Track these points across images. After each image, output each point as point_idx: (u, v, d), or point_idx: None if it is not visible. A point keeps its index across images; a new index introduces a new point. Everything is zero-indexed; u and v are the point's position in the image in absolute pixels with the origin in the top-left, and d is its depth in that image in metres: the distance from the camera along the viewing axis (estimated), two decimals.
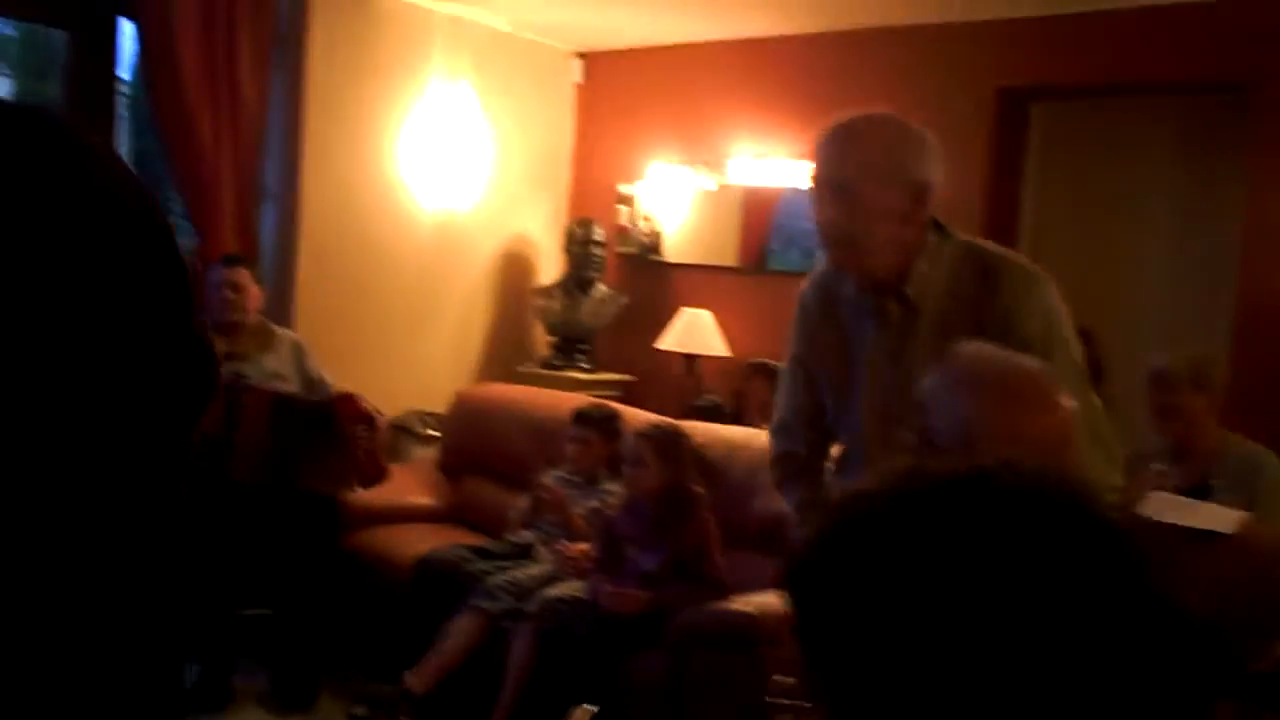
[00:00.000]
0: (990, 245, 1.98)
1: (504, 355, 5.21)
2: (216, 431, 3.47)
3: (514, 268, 5.27)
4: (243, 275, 3.84)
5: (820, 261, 2.10)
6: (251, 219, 4.43)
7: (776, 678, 1.60)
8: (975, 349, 1.56)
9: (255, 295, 3.88)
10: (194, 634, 3.57)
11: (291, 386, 3.78)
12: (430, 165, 4.87)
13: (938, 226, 1.94)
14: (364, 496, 3.86)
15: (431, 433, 4.72)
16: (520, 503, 3.81)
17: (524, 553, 3.64)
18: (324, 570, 3.69)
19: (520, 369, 5.12)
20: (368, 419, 3.67)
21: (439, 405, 4.75)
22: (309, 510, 3.64)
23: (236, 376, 3.60)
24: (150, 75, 4.09)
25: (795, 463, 2.12)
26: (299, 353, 3.92)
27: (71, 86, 4.19)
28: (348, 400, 3.69)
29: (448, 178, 4.93)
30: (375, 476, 3.73)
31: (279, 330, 3.98)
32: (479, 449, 4.39)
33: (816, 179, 1.91)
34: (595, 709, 1.71)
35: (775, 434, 2.16)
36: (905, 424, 1.96)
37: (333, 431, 3.63)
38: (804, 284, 2.10)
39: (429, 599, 3.51)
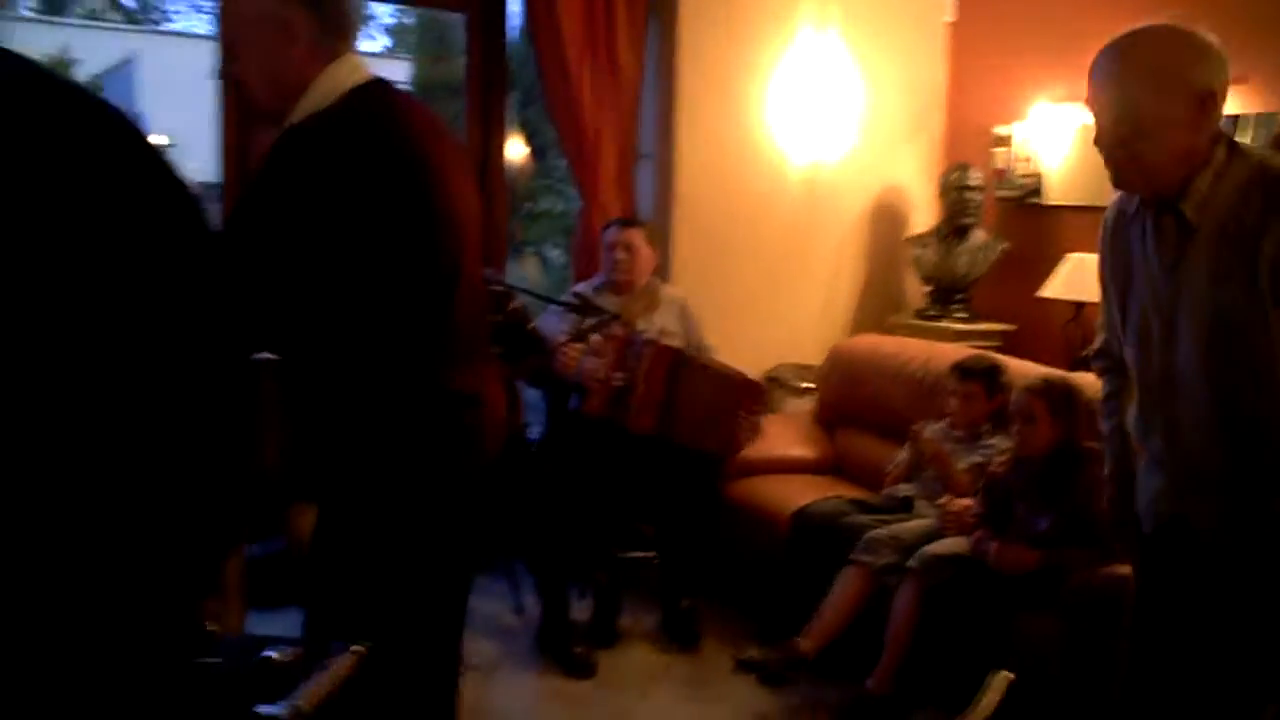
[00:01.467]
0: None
1: (877, 307, 5.15)
2: (617, 383, 3.65)
3: (885, 217, 5.18)
4: (636, 236, 3.99)
5: None
6: (630, 180, 4.61)
7: None
8: None
9: (647, 256, 4.02)
10: (583, 572, 3.82)
11: (680, 344, 3.92)
12: (799, 118, 4.86)
13: (1230, 144, 1.83)
14: (749, 452, 3.92)
15: (807, 385, 4.74)
16: (899, 455, 3.76)
17: (904, 506, 3.60)
18: (705, 518, 3.81)
19: (893, 320, 5.04)
20: (759, 410, 3.78)
21: (812, 358, 4.77)
22: (693, 461, 3.76)
23: (636, 331, 3.76)
24: (537, 47, 4.34)
25: (1111, 358, 2.20)
26: (685, 313, 4.05)
27: (471, 65, 4.52)
28: (754, 392, 3.78)
29: (817, 129, 4.90)
30: (736, 450, 3.83)
31: (667, 289, 4.12)
32: (855, 401, 4.37)
33: (1093, 95, 1.86)
34: (1013, 676, 1.66)
35: (1098, 332, 2.25)
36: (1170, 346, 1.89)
37: (720, 407, 3.71)
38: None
39: (807, 551, 3.54)
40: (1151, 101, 1.81)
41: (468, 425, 2.01)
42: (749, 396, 3.76)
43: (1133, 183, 1.90)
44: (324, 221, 1.79)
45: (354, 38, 1.97)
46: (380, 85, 1.94)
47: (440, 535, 2.01)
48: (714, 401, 3.71)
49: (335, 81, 1.89)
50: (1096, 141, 1.89)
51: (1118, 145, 1.86)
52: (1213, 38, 1.85)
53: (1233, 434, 1.87)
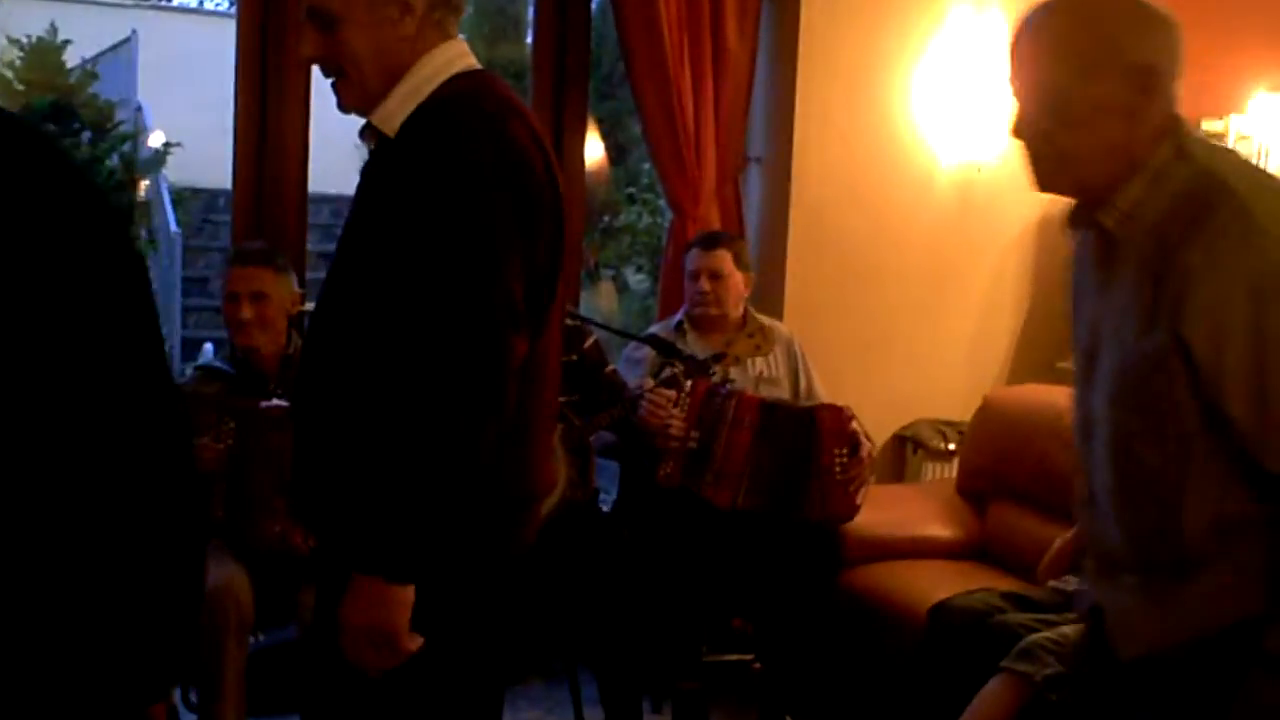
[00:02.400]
0: (1242, 170, 1.78)
1: (1042, 348, 5.09)
2: (694, 445, 3.69)
3: (1056, 232, 5.09)
4: (724, 260, 4.03)
5: None
6: (735, 190, 4.67)
7: None
8: None
9: (739, 282, 4.07)
10: (662, 679, 3.84)
11: (783, 394, 3.94)
12: (950, 111, 4.89)
13: (1180, 142, 1.80)
14: (865, 525, 3.93)
15: (950, 447, 4.73)
16: (1063, 535, 3.72)
17: (1071, 603, 3.55)
18: (818, 612, 3.81)
19: (1064, 365, 4.90)
20: (852, 440, 3.74)
21: (959, 413, 4.75)
22: (803, 540, 3.78)
23: (720, 382, 3.80)
24: (623, 25, 4.42)
25: None
26: (793, 355, 4.07)
27: (541, 45, 4.63)
28: (833, 414, 3.77)
29: (971, 125, 4.92)
30: (843, 514, 3.80)
31: (770, 324, 4.14)
32: (1011, 468, 4.32)
33: (1011, 76, 1.86)
34: None
35: None
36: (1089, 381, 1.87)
37: (804, 448, 3.74)
38: None
39: (948, 656, 3.49)
40: (1077, 83, 1.80)
41: (516, 526, 2.10)
42: (827, 429, 3.73)
43: (1057, 182, 1.88)
44: (419, 248, 1.87)
45: (462, 14, 2.07)
46: (486, 79, 2.02)
47: (465, 634, 2.06)
48: (791, 449, 3.73)
49: (434, 68, 1.99)
50: (1015, 132, 1.88)
51: (1039, 137, 1.85)
52: (1158, 3, 1.84)
53: (1132, 510, 1.85)
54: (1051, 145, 1.85)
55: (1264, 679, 1.70)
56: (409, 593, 1.87)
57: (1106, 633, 1.94)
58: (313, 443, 2.07)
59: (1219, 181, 1.75)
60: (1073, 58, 1.81)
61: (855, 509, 3.81)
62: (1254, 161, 4.76)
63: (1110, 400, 1.84)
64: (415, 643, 1.90)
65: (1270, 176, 1.79)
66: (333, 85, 2.04)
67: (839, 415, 3.77)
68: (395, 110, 1.99)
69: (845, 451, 3.74)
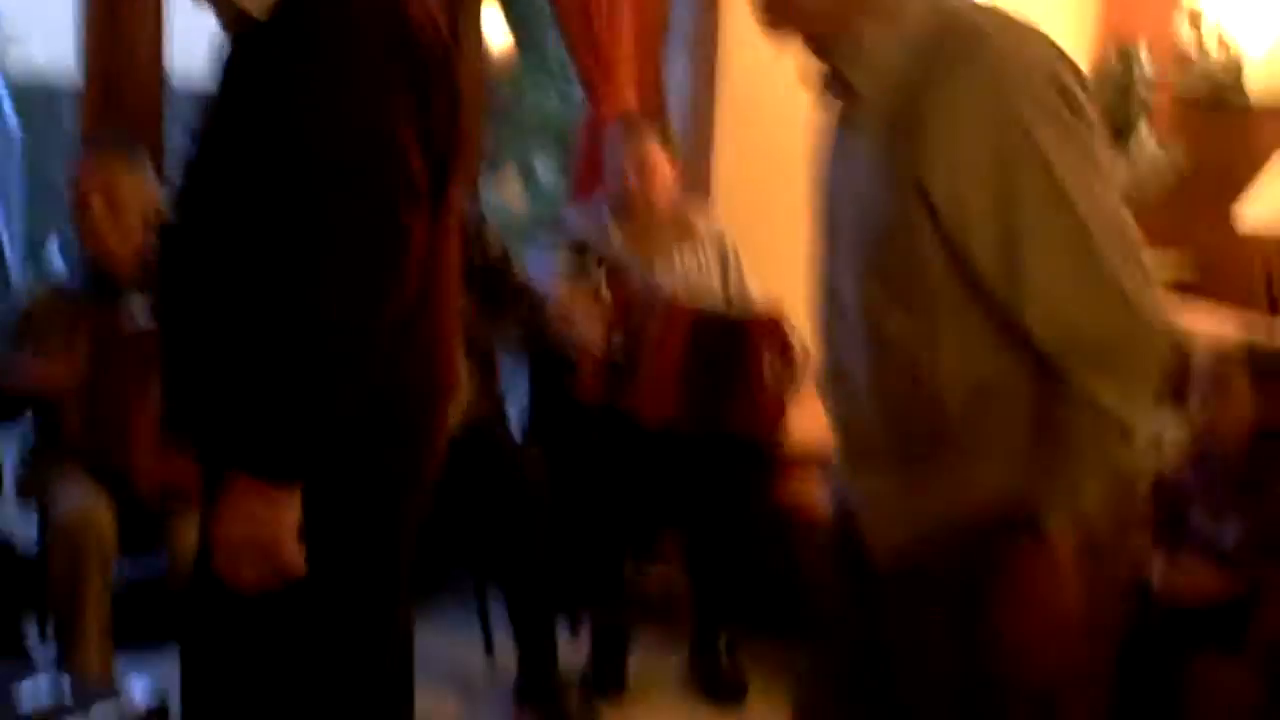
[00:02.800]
0: (990, 13, 1.79)
1: None
2: (616, 357, 3.68)
3: None
4: (647, 145, 3.99)
5: None
6: (655, 66, 4.62)
7: None
8: None
9: (666, 171, 4.03)
10: (577, 599, 3.85)
11: (714, 294, 3.91)
12: None
13: None
14: (801, 432, 3.93)
15: None
16: None
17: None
18: (751, 523, 3.84)
19: None
20: (785, 348, 3.76)
21: None
22: (734, 449, 3.79)
23: (646, 283, 3.76)
24: None
25: None
26: (724, 251, 4.04)
27: None
28: (767, 324, 3.78)
29: None
30: (775, 424, 3.82)
31: (698, 219, 4.13)
32: None
33: None
34: None
35: None
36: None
37: (736, 358, 3.75)
38: None
39: None
40: None
41: (421, 428, 2.08)
42: (761, 338, 3.74)
43: (781, 20, 1.88)
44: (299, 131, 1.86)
45: None
46: None
47: (365, 556, 2.04)
48: (723, 360, 3.74)
49: None
50: None
51: None
52: None
53: (887, 385, 1.85)
54: None
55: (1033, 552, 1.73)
56: (293, 498, 1.84)
57: (861, 530, 1.93)
58: (185, 342, 2.03)
59: (966, 23, 1.76)
60: None
61: (782, 417, 3.85)
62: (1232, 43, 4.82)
63: (857, 272, 1.85)
64: (300, 558, 1.86)
65: (1015, 20, 1.78)
66: None
67: (774, 325, 3.79)
68: None
69: (778, 361, 3.76)
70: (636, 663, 3.86)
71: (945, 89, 1.70)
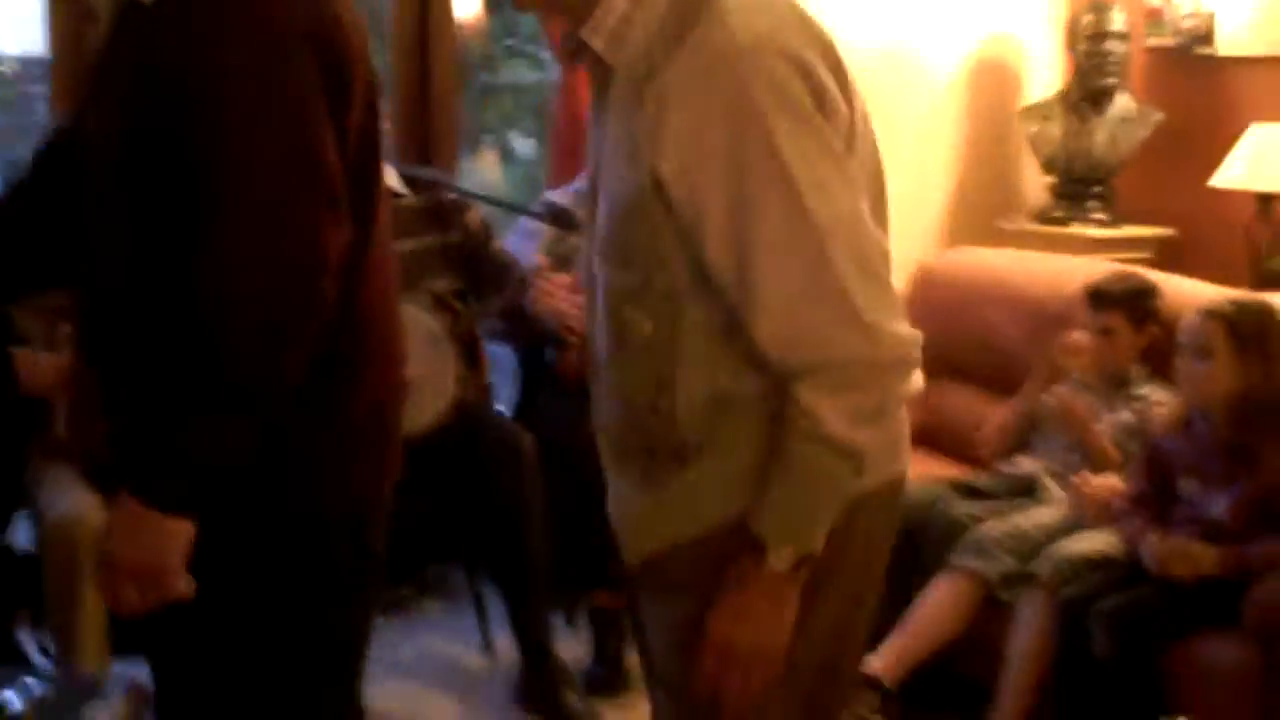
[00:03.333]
0: None
1: (980, 208, 5.11)
2: None
3: (989, 82, 5.11)
4: None
5: None
6: None
7: None
8: None
9: None
10: (576, 593, 3.80)
11: None
12: None
13: None
14: None
15: None
16: (1004, 411, 3.75)
17: (1024, 489, 3.59)
18: None
19: (1004, 225, 5.02)
20: None
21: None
22: None
23: None
24: None
25: None
26: None
27: None
28: None
29: None
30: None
31: None
32: (951, 341, 4.28)
33: None
34: None
35: None
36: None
37: None
38: None
39: (893, 551, 3.52)
40: None
41: (357, 457, 1.99)
42: None
43: (529, 2, 1.84)
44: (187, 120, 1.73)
45: None
46: None
47: (315, 559, 1.97)
48: None
49: None
50: None
51: None
52: None
53: (628, 382, 1.77)
54: None
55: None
56: (181, 526, 1.76)
57: (613, 527, 1.88)
58: (96, 355, 1.96)
59: None
60: None
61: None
62: None
63: (602, 254, 1.75)
64: (188, 587, 1.79)
65: None
66: None
67: None
68: None
69: None
70: (636, 661, 3.84)
71: (677, 65, 1.60)
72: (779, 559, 1.64)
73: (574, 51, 1.74)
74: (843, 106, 1.65)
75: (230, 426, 1.73)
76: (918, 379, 1.89)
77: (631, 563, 1.84)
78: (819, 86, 1.61)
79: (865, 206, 1.65)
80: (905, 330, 1.65)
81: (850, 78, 1.71)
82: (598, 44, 1.68)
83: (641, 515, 1.81)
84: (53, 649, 3.21)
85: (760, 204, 1.57)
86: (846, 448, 1.63)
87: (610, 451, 1.86)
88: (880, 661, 3.31)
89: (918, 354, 1.69)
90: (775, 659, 1.69)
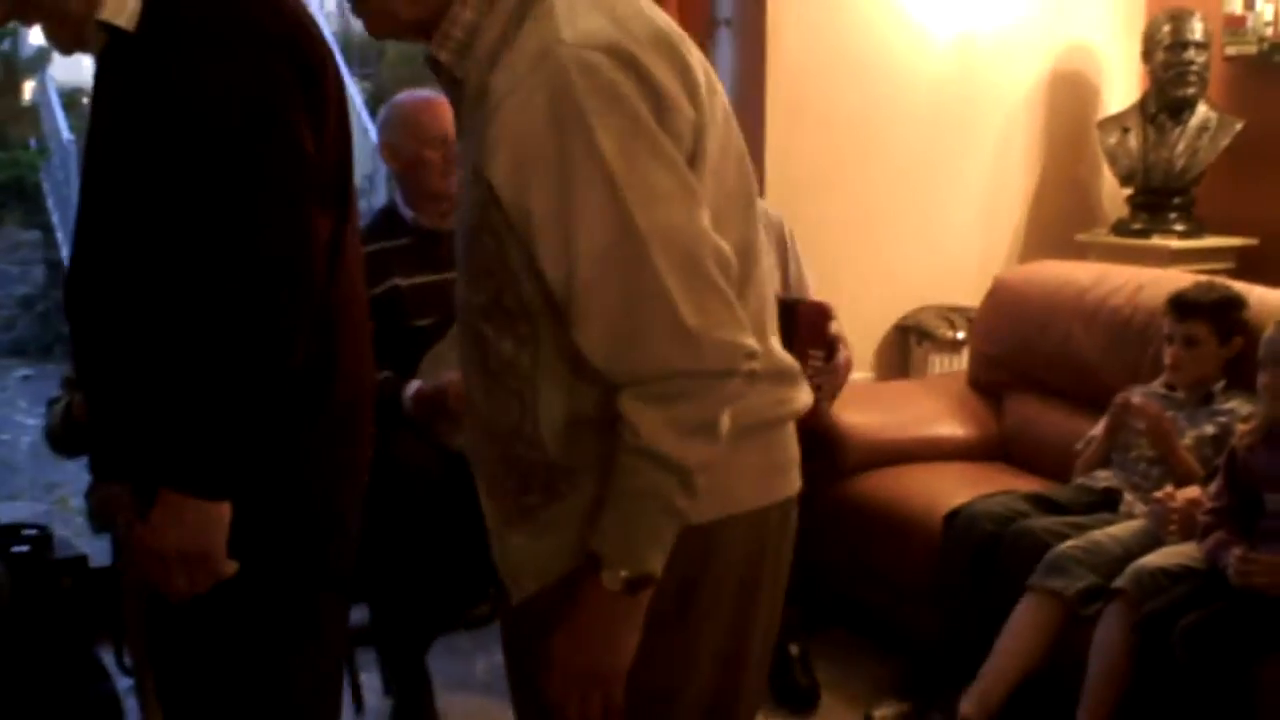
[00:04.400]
0: None
1: (1058, 221, 5.10)
2: None
3: (1067, 94, 5.11)
4: None
5: None
6: (704, 53, 4.51)
7: None
8: None
9: None
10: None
11: (774, 284, 3.84)
12: None
13: None
14: (867, 427, 3.92)
15: (958, 335, 4.72)
16: (1095, 430, 3.71)
17: (1105, 503, 3.55)
18: (810, 524, 3.75)
19: (1083, 238, 5.00)
20: (829, 344, 3.66)
21: (967, 297, 4.73)
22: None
23: None
24: None
25: None
26: (782, 241, 3.98)
27: None
28: (814, 309, 3.69)
29: None
30: (812, 423, 3.74)
31: (760, 206, 4.05)
32: (1029, 355, 4.32)
33: None
34: None
35: None
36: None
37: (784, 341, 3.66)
38: None
39: (966, 568, 3.49)
40: None
41: (337, 431, 2.06)
42: (805, 326, 3.60)
43: (383, 24, 1.72)
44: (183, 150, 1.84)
45: None
46: None
47: (296, 553, 2.03)
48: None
49: None
50: None
51: None
52: None
53: (493, 409, 1.71)
54: None
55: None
56: (223, 509, 1.87)
57: (495, 561, 1.82)
58: (104, 368, 2.02)
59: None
60: None
61: (827, 419, 3.79)
62: None
63: (458, 270, 1.71)
64: (231, 567, 1.91)
65: None
66: None
67: (820, 311, 3.69)
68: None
69: (820, 355, 3.65)
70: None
71: (503, 66, 1.55)
72: (612, 579, 1.57)
73: (434, 71, 1.71)
74: (687, 109, 1.57)
75: (251, 409, 1.84)
76: (805, 395, 1.85)
77: (515, 599, 1.78)
78: (656, 88, 1.53)
79: (706, 214, 1.56)
80: (739, 340, 1.56)
81: (702, 80, 1.62)
82: (444, 57, 1.66)
83: (520, 553, 1.75)
84: (131, 667, 3.22)
85: (582, 207, 1.51)
86: (668, 461, 1.54)
87: (484, 485, 1.80)
88: (970, 705, 3.28)
89: (751, 365, 1.59)
90: (614, 681, 1.64)
